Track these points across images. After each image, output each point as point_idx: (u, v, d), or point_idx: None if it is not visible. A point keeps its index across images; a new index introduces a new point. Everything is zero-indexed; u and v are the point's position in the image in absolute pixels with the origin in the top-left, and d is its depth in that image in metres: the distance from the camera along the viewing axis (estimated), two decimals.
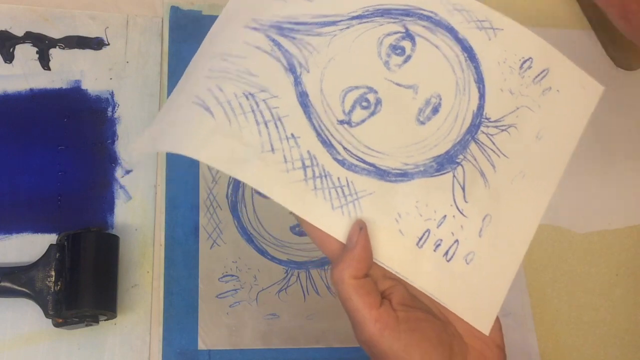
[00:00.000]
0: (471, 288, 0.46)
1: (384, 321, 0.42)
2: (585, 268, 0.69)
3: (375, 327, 0.42)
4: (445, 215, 0.46)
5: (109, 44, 0.68)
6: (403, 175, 0.46)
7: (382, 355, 0.43)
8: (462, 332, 0.46)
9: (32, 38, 0.66)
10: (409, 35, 0.49)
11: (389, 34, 0.49)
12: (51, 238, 0.60)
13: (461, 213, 0.47)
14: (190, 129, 0.44)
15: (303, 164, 0.44)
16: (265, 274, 0.63)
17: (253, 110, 0.44)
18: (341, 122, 0.46)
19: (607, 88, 0.76)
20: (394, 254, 0.45)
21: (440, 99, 0.48)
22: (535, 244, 0.69)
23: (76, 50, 0.67)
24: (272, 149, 0.44)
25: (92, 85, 0.66)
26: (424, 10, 0.49)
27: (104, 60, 0.67)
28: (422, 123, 0.47)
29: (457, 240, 0.46)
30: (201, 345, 0.60)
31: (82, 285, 0.56)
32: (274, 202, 0.64)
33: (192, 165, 0.65)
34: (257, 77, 0.45)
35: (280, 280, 0.63)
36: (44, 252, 0.58)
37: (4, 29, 0.66)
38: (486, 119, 0.49)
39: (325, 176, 0.45)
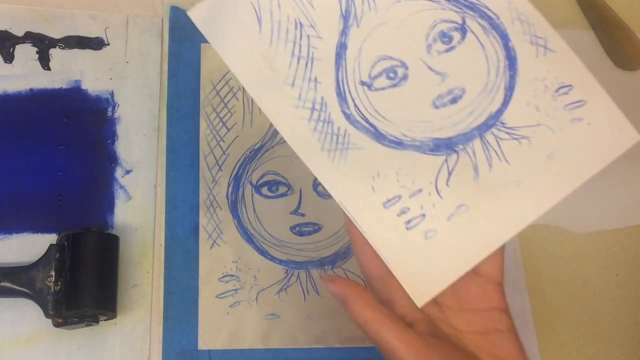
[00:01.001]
0: (420, 261, 0.47)
1: (414, 345, 0.43)
2: (585, 268, 0.69)
3: (407, 352, 0.42)
4: (421, 190, 0.48)
5: (109, 44, 0.68)
6: (397, 144, 0.48)
7: None
8: None
9: (32, 38, 0.66)
10: (462, 29, 0.50)
11: (445, 21, 0.50)
12: (51, 238, 0.60)
13: (438, 193, 0.48)
14: (236, 33, 0.48)
15: (313, 106, 0.48)
16: (265, 274, 0.63)
17: (294, 42, 0.48)
18: (363, 83, 0.49)
19: (607, 88, 0.76)
20: (360, 206, 0.47)
21: (464, 93, 0.49)
22: (535, 244, 0.69)
23: (76, 50, 0.67)
24: (293, 84, 0.48)
25: (92, 85, 0.66)
26: (489, 10, 0.50)
27: (104, 60, 0.67)
28: (436, 107, 0.49)
29: (423, 215, 0.48)
30: (201, 345, 0.60)
31: (82, 285, 0.56)
32: (274, 203, 0.64)
33: (192, 165, 0.65)
34: (314, 10, 0.48)
35: (280, 280, 0.63)
36: (44, 252, 0.58)
37: (4, 29, 0.66)
38: (501, 123, 0.49)
39: (328, 122, 0.48)
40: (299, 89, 0.48)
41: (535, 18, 0.50)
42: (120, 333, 0.59)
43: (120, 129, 0.65)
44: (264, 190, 0.65)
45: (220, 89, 0.68)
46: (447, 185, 0.48)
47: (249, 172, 0.66)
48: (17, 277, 0.57)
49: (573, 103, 0.50)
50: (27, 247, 0.60)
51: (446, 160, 0.49)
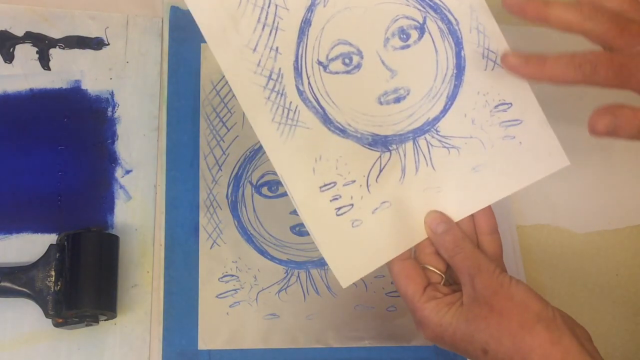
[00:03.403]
0: (346, 247, 0.50)
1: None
2: (585, 268, 0.69)
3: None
4: (354, 180, 0.51)
5: (109, 44, 0.68)
6: (341, 131, 0.51)
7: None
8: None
9: (32, 38, 0.66)
10: (421, 29, 0.51)
11: (406, 17, 0.51)
12: (51, 238, 0.60)
13: (367, 187, 0.51)
14: None
15: (270, 75, 0.50)
16: (265, 274, 0.63)
17: (263, 8, 0.49)
18: (320, 63, 0.50)
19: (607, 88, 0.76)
20: (299, 185, 0.50)
21: (408, 94, 0.51)
22: (535, 244, 0.69)
23: (76, 50, 0.67)
24: (254, 49, 0.49)
25: (92, 85, 0.66)
26: (451, 14, 0.52)
27: (104, 60, 0.67)
28: (380, 103, 0.51)
29: (352, 205, 0.50)
30: (201, 345, 0.60)
31: (82, 285, 0.56)
32: (275, 202, 0.64)
33: (192, 165, 0.65)
34: None
35: (280, 280, 0.63)
36: (44, 252, 0.58)
37: (4, 29, 0.66)
38: (435, 130, 0.51)
39: (281, 95, 0.50)
40: (259, 55, 0.49)
41: (492, 31, 0.52)
42: (120, 333, 0.59)
43: (120, 129, 0.65)
44: (264, 190, 0.65)
45: (220, 89, 0.68)
46: (376, 181, 0.51)
47: (249, 172, 0.66)
48: (17, 277, 0.57)
49: (509, 121, 0.52)
50: (27, 247, 0.60)
51: (380, 157, 0.51)
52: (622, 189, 0.72)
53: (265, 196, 0.65)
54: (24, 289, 0.56)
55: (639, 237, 0.71)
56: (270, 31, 0.49)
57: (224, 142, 0.66)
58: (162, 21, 0.69)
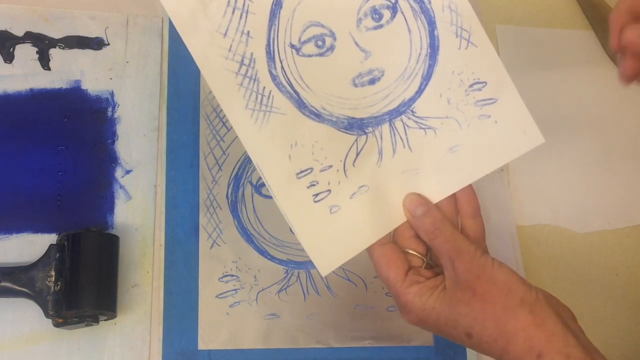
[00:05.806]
0: (324, 234, 0.50)
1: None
2: (585, 268, 0.69)
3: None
4: (331, 165, 0.50)
5: (109, 44, 0.68)
6: (316, 115, 0.50)
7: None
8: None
9: (32, 38, 0.66)
10: (394, 8, 0.51)
11: None
12: (51, 238, 0.60)
13: (344, 172, 0.50)
14: None
15: (242, 60, 0.48)
16: (265, 274, 0.63)
17: None
18: (292, 46, 0.49)
19: (607, 88, 0.76)
20: (275, 173, 0.49)
21: (382, 75, 0.50)
22: (535, 244, 0.69)
23: (76, 50, 0.67)
24: (225, 34, 0.48)
25: (92, 85, 0.66)
26: None
27: (104, 60, 0.67)
28: (355, 85, 0.50)
29: (329, 190, 0.50)
30: (201, 345, 0.60)
31: (82, 285, 0.56)
32: (274, 203, 0.64)
33: (192, 165, 0.65)
34: None
35: (280, 280, 0.63)
36: (44, 252, 0.58)
37: (4, 29, 0.66)
38: (411, 111, 0.51)
39: (254, 80, 0.49)
40: (230, 40, 0.48)
41: (464, 9, 0.51)
42: (120, 333, 0.59)
43: (120, 129, 0.65)
44: (264, 190, 0.65)
45: None
46: (353, 165, 0.50)
47: (249, 172, 0.66)
48: (17, 277, 0.57)
49: (484, 100, 0.51)
50: (27, 247, 0.60)
51: (356, 140, 0.50)
52: (622, 189, 0.72)
53: (265, 196, 0.65)
54: (24, 289, 0.56)
55: (639, 237, 0.71)
56: (241, 15, 0.48)
57: (224, 142, 0.66)
58: (162, 21, 0.69)
